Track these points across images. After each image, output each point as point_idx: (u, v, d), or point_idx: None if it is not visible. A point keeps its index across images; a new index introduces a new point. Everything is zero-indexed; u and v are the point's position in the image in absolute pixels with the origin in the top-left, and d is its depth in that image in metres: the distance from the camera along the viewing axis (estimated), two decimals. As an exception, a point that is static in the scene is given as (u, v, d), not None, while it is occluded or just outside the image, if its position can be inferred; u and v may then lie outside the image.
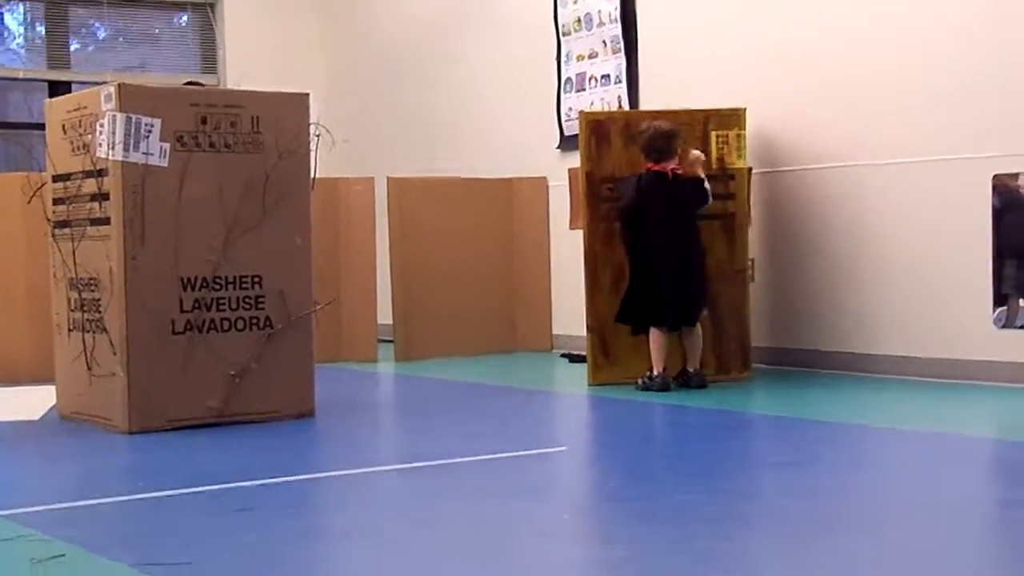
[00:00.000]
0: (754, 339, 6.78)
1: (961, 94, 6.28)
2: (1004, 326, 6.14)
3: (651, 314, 6.40)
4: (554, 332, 8.52)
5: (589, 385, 6.63)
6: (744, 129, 6.67)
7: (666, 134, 6.43)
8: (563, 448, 5.02)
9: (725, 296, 6.67)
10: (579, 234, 6.88)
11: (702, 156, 6.50)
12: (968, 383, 6.21)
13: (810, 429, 5.23)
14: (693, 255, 6.45)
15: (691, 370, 6.40)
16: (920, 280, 6.49)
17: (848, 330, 6.81)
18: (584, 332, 6.77)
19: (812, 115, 6.92)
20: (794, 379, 6.68)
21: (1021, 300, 6.12)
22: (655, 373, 6.34)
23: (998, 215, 6.13)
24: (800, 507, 3.77)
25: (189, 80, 8.85)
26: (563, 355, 8.06)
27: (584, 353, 6.88)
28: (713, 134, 6.68)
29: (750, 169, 6.74)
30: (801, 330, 7.03)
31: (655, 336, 6.38)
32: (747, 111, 6.68)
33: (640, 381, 6.35)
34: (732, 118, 6.68)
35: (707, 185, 6.41)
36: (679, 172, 6.40)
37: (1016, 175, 6.07)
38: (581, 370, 6.89)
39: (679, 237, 6.40)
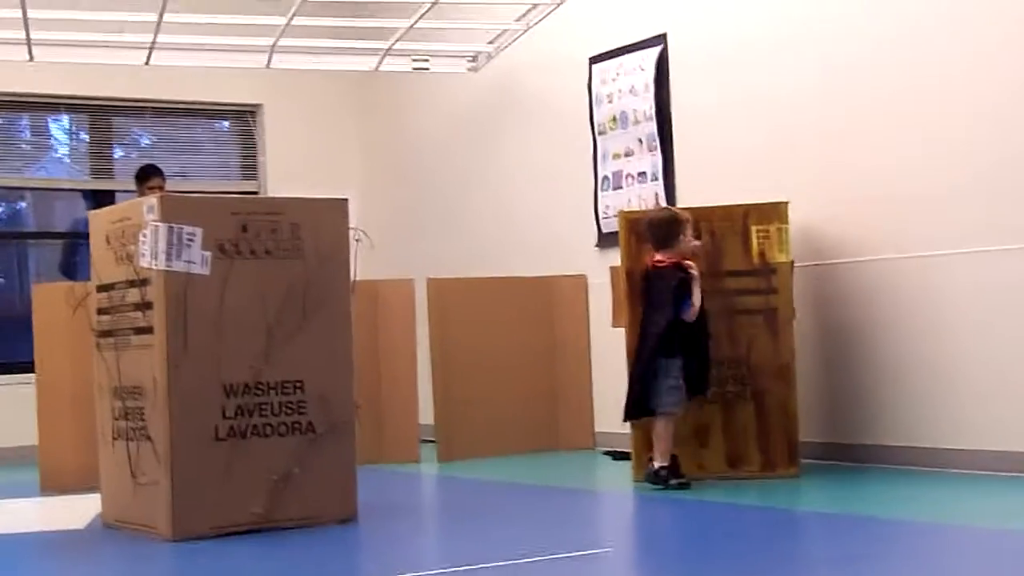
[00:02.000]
0: (803, 434, 6.71)
1: (1003, 183, 6.26)
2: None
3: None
4: (596, 429, 8.48)
5: (634, 482, 6.59)
6: (786, 222, 6.64)
7: (654, 222, 6.51)
8: (608, 549, 4.98)
9: (770, 391, 6.63)
10: (620, 331, 6.87)
11: (695, 244, 6.47)
12: None
13: (859, 526, 5.16)
14: (645, 347, 6.40)
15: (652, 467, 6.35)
16: (971, 371, 6.41)
17: (899, 423, 6.72)
18: (626, 428, 6.75)
19: (854, 207, 6.89)
20: (843, 474, 6.60)
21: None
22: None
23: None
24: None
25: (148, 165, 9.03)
26: (605, 452, 8.02)
27: (627, 450, 6.84)
28: (754, 228, 6.67)
29: (792, 262, 6.72)
30: (850, 424, 6.95)
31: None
32: (788, 204, 6.68)
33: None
34: (773, 212, 6.66)
35: (692, 275, 6.32)
36: (660, 264, 6.40)
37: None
38: (624, 468, 6.84)
39: (644, 329, 6.42)
